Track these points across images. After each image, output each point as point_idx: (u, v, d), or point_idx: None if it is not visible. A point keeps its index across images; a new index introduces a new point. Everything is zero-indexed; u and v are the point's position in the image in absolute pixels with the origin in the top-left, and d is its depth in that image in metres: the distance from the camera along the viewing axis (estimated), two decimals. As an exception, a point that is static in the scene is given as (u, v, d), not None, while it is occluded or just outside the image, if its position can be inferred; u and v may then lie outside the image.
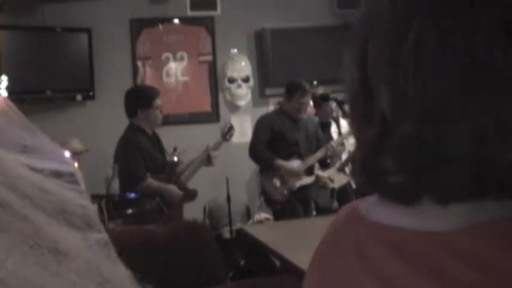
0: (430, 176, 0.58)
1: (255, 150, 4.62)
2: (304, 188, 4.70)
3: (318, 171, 4.94)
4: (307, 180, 4.71)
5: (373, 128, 0.62)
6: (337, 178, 4.97)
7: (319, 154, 4.68)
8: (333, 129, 5.02)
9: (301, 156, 4.64)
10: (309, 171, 4.75)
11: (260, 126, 4.67)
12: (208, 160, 4.36)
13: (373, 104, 0.62)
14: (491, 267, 0.55)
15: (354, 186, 5.13)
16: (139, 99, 4.10)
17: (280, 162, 4.56)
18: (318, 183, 4.97)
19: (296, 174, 4.61)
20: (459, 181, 0.56)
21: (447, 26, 0.56)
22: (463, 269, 0.56)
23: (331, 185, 4.95)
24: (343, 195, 4.96)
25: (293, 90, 4.59)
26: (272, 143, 4.59)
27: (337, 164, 5.00)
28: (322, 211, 4.85)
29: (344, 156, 5.03)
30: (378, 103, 0.61)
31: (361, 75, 0.63)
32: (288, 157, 4.60)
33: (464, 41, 0.55)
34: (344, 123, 5.04)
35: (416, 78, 0.57)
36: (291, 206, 4.59)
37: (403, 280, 0.60)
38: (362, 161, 0.65)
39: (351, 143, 5.03)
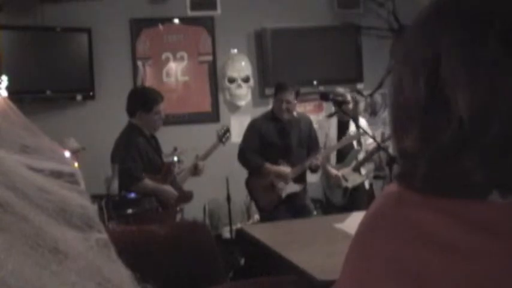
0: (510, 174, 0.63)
1: (243, 154, 4.60)
2: (293, 196, 4.66)
3: (332, 169, 4.93)
4: (296, 187, 4.67)
5: (447, 132, 0.65)
6: (351, 177, 4.96)
7: (307, 164, 4.62)
8: (352, 128, 4.99)
9: (292, 162, 4.60)
10: (300, 178, 4.70)
11: (249, 133, 4.66)
12: (195, 169, 4.35)
13: (446, 111, 0.64)
14: None
15: (367, 186, 5.13)
16: (140, 101, 4.09)
17: (269, 166, 4.54)
18: (329, 181, 4.97)
19: (285, 177, 4.58)
20: None
21: None
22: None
23: (344, 184, 4.94)
24: (355, 194, 4.95)
25: (276, 89, 4.63)
26: (262, 148, 4.57)
27: (353, 164, 4.98)
28: (333, 209, 4.84)
29: (361, 156, 5.02)
30: (455, 109, 0.64)
31: (432, 86, 0.66)
32: (278, 163, 4.57)
33: None
34: (363, 122, 5.00)
35: (502, 81, 0.61)
36: (278, 213, 4.54)
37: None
38: (435, 165, 0.67)
39: (368, 143, 5.01)
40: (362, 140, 4.99)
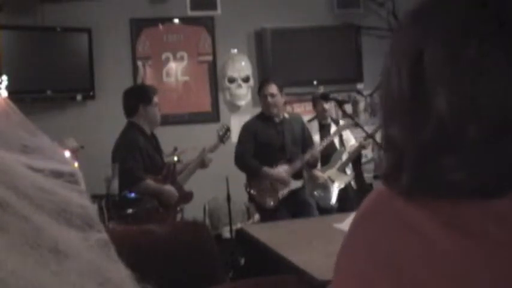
0: (490, 174, 0.62)
1: (240, 159, 4.58)
2: (294, 193, 4.64)
3: (318, 172, 4.92)
4: (296, 183, 4.65)
5: (427, 129, 0.64)
6: (337, 178, 4.95)
7: (305, 158, 4.61)
8: (333, 130, 4.99)
9: (288, 161, 4.59)
10: (298, 174, 4.69)
11: (244, 135, 4.63)
12: (202, 163, 4.37)
13: (427, 106, 0.64)
14: None
15: (354, 186, 5.12)
16: (140, 96, 4.14)
17: (267, 170, 4.53)
18: (316, 184, 4.95)
19: (284, 181, 4.57)
20: None
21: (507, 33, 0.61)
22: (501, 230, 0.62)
23: (331, 186, 4.93)
24: (344, 195, 4.94)
25: (259, 88, 4.69)
26: (257, 149, 4.55)
27: (338, 164, 4.98)
28: (323, 211, 4.83)
29: (345, 157, 5.02)
30: (435, 105, 0.64)
31: (414, 80, 0.66)
32: (275, 162, 4.56)
33: None
34: (342, 123, 5.02)
35: (481, 81, 0.61)
36: (279, 212, 4.52)
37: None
38: (417, 160, 0.67)
39: (350, 143, 5.02)
40: (345, 141, 5.00)
